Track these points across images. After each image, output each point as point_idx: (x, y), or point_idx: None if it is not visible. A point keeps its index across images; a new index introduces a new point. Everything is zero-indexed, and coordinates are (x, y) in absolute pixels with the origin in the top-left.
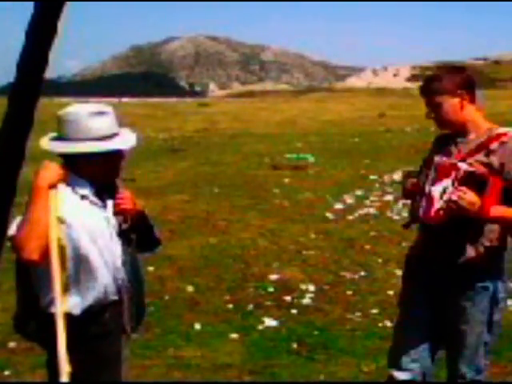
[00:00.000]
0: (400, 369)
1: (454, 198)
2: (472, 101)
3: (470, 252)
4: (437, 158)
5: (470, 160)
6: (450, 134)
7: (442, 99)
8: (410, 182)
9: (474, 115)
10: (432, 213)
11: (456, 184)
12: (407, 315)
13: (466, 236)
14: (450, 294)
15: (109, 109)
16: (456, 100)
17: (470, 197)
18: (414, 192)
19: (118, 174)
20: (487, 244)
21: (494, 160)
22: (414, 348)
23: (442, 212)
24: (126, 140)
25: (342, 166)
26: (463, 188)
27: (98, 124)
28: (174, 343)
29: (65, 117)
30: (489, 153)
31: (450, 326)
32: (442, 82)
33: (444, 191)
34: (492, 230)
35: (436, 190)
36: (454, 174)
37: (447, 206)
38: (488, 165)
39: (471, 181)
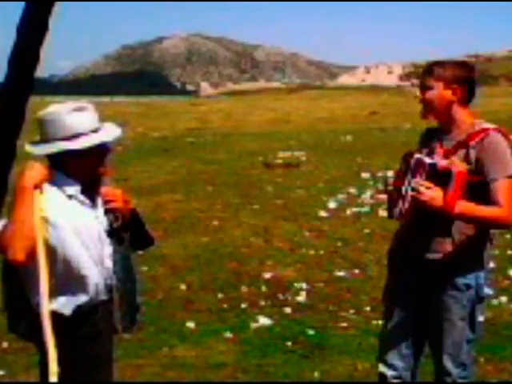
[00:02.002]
0: (387, 364)
1: (413, 194)
2: (463, 99)
3: (447, 247)
4: (416, 155)
5: (452, 157)
6: (436, 130)
7: (435, 84)
8: (389, 181)
9: (460, 113)
10: (403, 212)
11: (419, 178)
12: (391, 311)
13: (441, 231)
14: (431, 290)
15: (88, 104)
16: (448, 92)
17: (431, 192)
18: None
19: (104, 169)
20: (463, 238)
21: (472, 156)
22: (399, 344)
23: (408, 210)
24: (109, 133)
25: (335, 164)
26: (425, 182)
27: (77, 120)
28: (167, 342)
29: (44, 117)
30: (468, 150)
31: (433, 323)
32: (443, 69)
33: (412, 187)
34: (466, 225)
35: (408, 189)
36: (420, 169)
37: (410, 201)
38: (467, 161)
39: (435, 174)
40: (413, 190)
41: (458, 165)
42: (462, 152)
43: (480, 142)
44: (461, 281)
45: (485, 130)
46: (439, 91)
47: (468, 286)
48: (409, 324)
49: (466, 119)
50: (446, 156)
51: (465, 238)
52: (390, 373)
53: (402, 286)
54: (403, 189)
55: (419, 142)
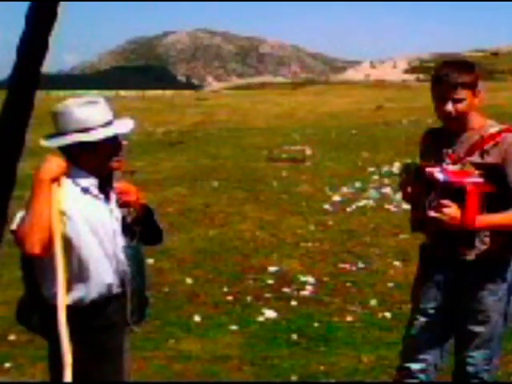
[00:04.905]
0: (413, 359)
1: (433, 214)
2: (480, 101)
3: (483, 246)
4: (427, 169)
5: (465, 161)
6: (440, 130)
7: (466, 94)
8: (407, 188)
9: (475, 114)
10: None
11: (434, 195)
12: (419, 311)
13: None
14: (465, 284)
15: (99, 99)
16: (475, 99)
17: (450, 211)
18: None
19: (119, 162)
20: (498, 235)
21: (489, 161)
22: (427, 340)
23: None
24: (121, 126)
25: (340, 159)
26: (444, 202)
27: (89, 113)
28: (173, 335)
29: (57, 112)
30: (483, 154)
31: (466, 315)
32: (468, 76)
33: (429, 204)
34: None
35: (426, 202)
36: (435, 185)
37: (430, 220)
38: (483, 166)
39: (451, 192)
40: (431, 206)
41: (471, 177)
42: (475, 157)
43: (496, 146)
44: (498, 274)
45: (499, 135)
46: (470, 100)
47: (503, 279)
48: (437, 320)
49: (479, 119)
50: (458, 162)
51: (499, 235)
52: (415, 367)
53: (432, 283)
54: (425, 204)
55: (422, 145)
